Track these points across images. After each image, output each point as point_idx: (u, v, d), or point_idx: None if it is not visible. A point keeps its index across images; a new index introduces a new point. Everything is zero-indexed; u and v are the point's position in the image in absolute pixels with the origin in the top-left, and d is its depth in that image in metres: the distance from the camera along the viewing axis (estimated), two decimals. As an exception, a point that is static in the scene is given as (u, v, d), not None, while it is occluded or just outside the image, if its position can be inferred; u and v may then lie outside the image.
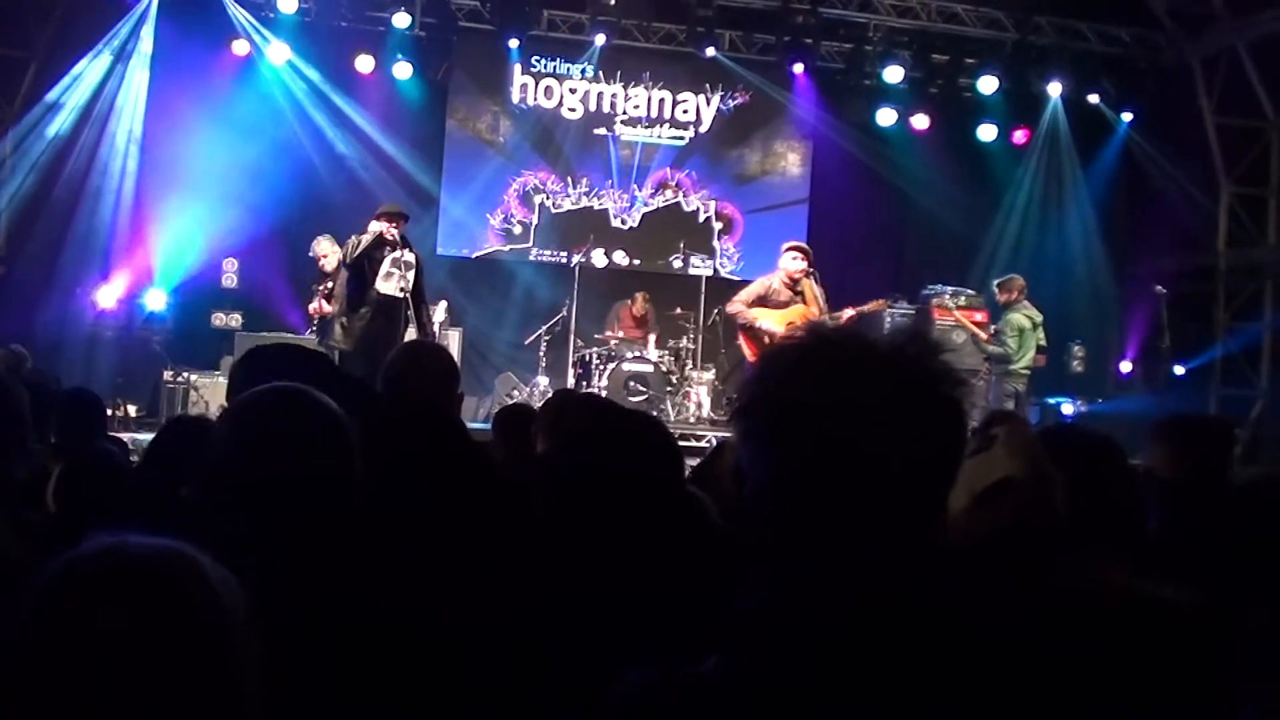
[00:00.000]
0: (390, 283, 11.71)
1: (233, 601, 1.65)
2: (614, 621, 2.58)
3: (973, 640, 1.58)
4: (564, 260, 16.91)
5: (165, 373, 13.80)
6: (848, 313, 11.99)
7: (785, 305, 11.98)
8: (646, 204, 17.69)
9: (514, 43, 16.48)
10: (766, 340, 11.69)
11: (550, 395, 7.50)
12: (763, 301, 12.07)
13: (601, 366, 14.67)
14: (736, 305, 12.23)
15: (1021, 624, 1.81)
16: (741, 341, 12.40)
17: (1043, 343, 13.92)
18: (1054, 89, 17.33)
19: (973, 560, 2.12)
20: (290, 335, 14.28)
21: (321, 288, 13.11)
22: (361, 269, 11.72)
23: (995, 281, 14.08)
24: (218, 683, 1.60)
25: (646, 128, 17.68)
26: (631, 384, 14.47)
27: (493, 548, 3.03)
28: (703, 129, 17.85)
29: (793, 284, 12.07)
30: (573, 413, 4.12)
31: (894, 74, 16.89)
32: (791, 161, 18.16)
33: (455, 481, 3.64)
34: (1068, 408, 16.04)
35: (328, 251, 13.00)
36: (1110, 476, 3.13)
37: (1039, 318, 13.73)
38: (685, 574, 2.66)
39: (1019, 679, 1.62)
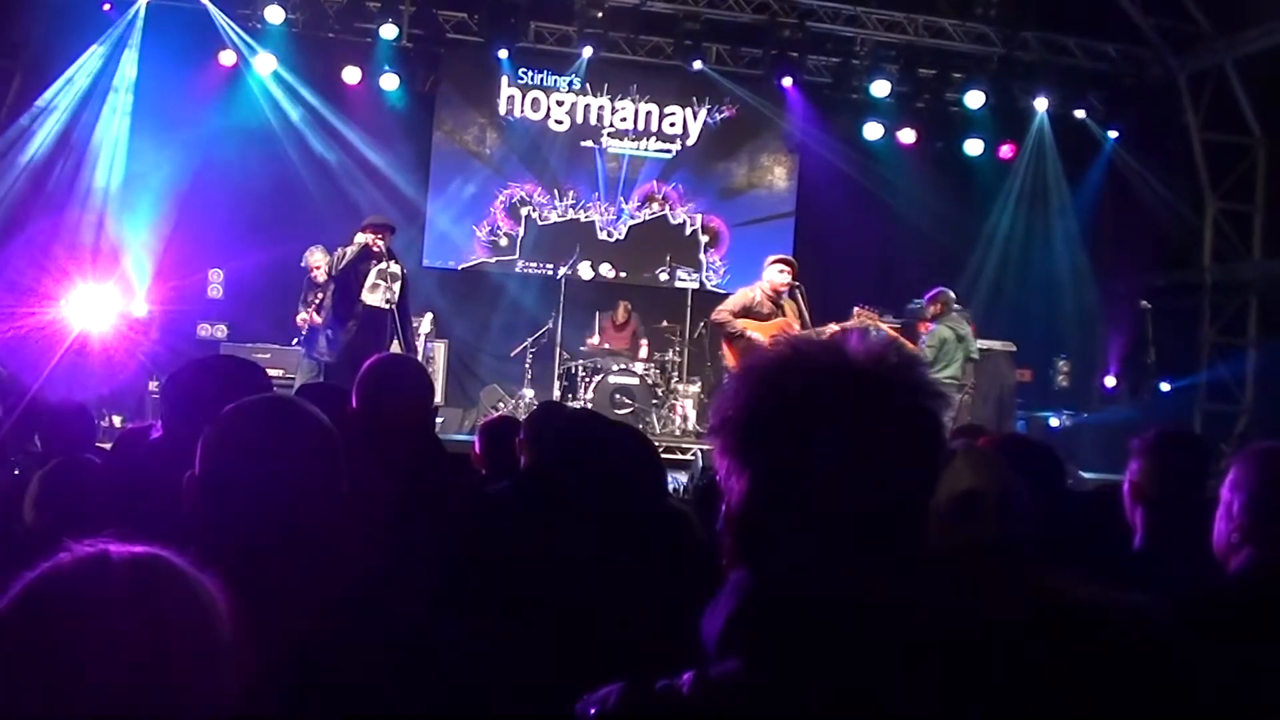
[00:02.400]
0: (376, 294, 11.71)
1: (215, 605, 1.66)
2: (590, 633, 2.57)
3: (947, 650, 1.58)
4: (550, 272, 16.91)
5: (150, 384, 13.76)
6: (831, 328, 11.89)
7: (767, 318, 11.93)
8: (633, 217, 17.70)
9: (503, 53, 16.46)
10: (751, 346, 11.62)
11: (536, 407, 7.49)
12: (746, 313, 12.02)
13: (587, 379, 14.68)
14: (723, 314, 12.15)
15: (989, 631, 1.81)
16: (725, 350, 12.36)
17: (974, 355, 13.84)
18: (1040, 104, 17.38)
19: (947, 569, 2.12)
20: (275, 346, 14.27)
21: (311, 299, 13.07)
22: (347, 281, 11.72)
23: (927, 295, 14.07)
24: (204, 686, 1.60)
25: (633, 140, 17.69)
26: (617, 397, 14.48)
27: (468, 556, 3.03)
28: (689, 142, 17.86)
29: (775, 297, 12.04)
30: (555, 427, 4.13)
31: (881, 88, 16.92)
32: (778, 175, 18.18)
33: (431, 492, 3.64)
34: (1054, 421, 16.09)
35: (320, 263, 12.97)
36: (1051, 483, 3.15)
37: (966, 330, 13.70)
38: (663, 588, 2.66)
39: (988, 687, 1.62)
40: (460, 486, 4.27)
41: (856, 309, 13.60)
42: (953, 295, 13.85)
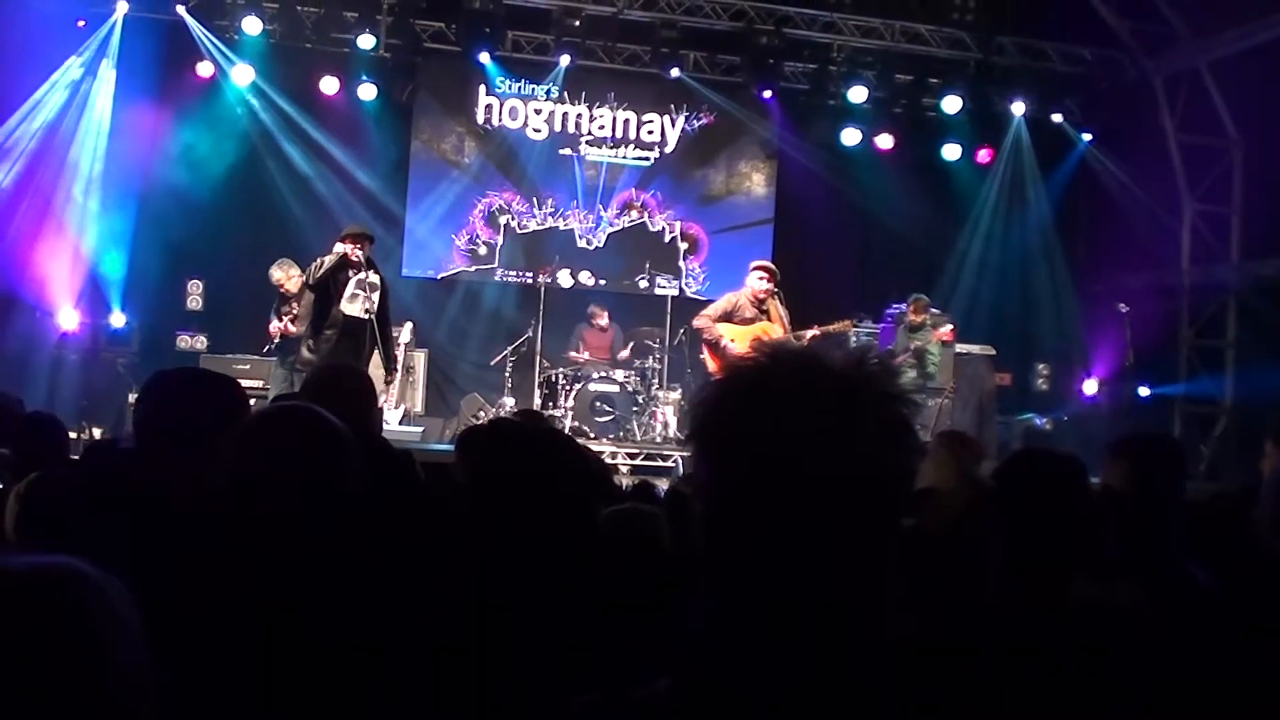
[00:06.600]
0: (355, 304, 11.67)
1: (125, 615, 1.63)
2: (536, 634, 2.57)
3: (922, 657, 1.58)
4: (529, 281, 16.90)
5: (130, 395, 13.69)
6: (812, 332, 11.99)
7: (750, 322, 12.03)
8: (612, 224, 17.70)
9: (485, 56, 16.46)
10: (728, 354, 11.71)
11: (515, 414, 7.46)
12: (728, 317, 12.13)
13: (568, 387, 14.67)
14: (703, 320, 12.29)
15: (968, 634, 1.81)
16: (706, 356, 12.43)
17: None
18: (1017, 108, 17.43)
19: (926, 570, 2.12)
20: (254, 357, 14.22)
21: (285, 311, 13.06)
22: (326, 290, 11.68)
23: None
24: (106, 697, 1.58)
25: (611, 148, 17.69)
26: (598, 404, 14.49)
27: (416, 560, 3.03)
28: (668, 149, 17.87)
29: (758, 302, 12.12)
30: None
31: (858, 94, 16.93)
32: (756, 182, 18.19)
33: (380, 498, 3.64)
34: (1037, 422, 16.16)
35: (282, 279, 13.06)
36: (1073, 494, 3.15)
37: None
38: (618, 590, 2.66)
39: (964, 689, 1.62)
40: (403, 489, 4.33)
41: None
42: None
